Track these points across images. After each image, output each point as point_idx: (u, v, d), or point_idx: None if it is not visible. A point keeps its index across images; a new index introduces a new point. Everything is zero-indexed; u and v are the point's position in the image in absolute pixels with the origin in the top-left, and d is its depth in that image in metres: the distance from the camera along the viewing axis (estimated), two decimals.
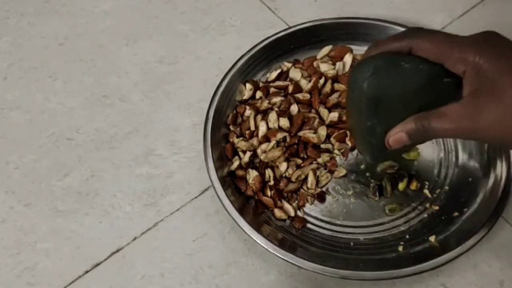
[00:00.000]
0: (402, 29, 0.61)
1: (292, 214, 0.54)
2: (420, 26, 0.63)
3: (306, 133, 0.56)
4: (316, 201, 0.55)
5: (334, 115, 0.58)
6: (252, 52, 0.61)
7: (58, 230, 0.55)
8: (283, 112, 0.58)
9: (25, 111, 0.62)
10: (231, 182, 0.55)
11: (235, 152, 0.57)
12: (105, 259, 0.53)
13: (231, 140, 0.58)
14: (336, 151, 0.57)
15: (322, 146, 0.57)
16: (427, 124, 0.41)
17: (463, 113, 0.40)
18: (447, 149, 0.57)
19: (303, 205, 0.55)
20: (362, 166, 0.57)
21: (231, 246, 0.53)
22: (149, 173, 0.58)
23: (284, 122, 0.57)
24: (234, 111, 0.59)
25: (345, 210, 0.55)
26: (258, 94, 0.60)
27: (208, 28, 0.67)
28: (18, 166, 0.58)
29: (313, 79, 0.60)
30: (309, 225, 0.54)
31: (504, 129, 0.39)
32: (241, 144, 0.56)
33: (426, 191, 0.55)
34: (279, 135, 0.56)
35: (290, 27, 0.63)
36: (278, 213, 0.54)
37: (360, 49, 0.62)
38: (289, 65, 0.62)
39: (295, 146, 0.56)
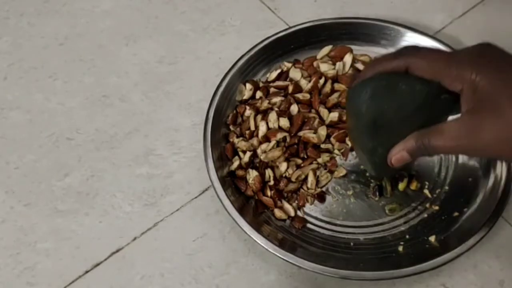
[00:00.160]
0: (402, 29, 0.61)
1: (292, 214, 0.54)
2: (420, 26, 0.64)
3: (306, 133, 0.56)
4: (316, 201, 0.55)
5: (334, 115, 0.57)
6: (252, 52, 0.61)
7: (58, 230, 0.55)
8: (283, 112, 0.58)
9: (25, 111, 0.62)
10: (231, 182, 0.55)
11: (235, 152, 0.57)
12: (105, 259, 0.53)
13: (231, 140, 0.57)
14: (336, 151, 0.57)
15: (322, 146, 0.57)
16: (427, 142, 0.42)
17: (462, 131, 0.40)
18: None
19: (303, 205, 0.55)
20: (362, 166, 0.57)
21: (231, 246, 0.53)
22: (149, 173, 0.58)
23: (284, 122, 0.57)
24: (234, 111, 0.59)
25: (345, 210, 0.55)
26: (258, 94, 0.60)
27: (208, 28, 0.67)
28: (18, 166, 0.58)
29: (313, 79, 0.60)
30: (309, 225, 0.54)
31: (503, 146, 0.39)
32: (241, 144, 0.56)
33: (426, 191, 0.55)
34: (279, 135, 0.56)
35: (290, 27, 0.63)
36: (278, 213, 0.54)
37: (360, 49, 0.62)
38: (289, 65, 0.62)
39: (295, 146, 0.56)
